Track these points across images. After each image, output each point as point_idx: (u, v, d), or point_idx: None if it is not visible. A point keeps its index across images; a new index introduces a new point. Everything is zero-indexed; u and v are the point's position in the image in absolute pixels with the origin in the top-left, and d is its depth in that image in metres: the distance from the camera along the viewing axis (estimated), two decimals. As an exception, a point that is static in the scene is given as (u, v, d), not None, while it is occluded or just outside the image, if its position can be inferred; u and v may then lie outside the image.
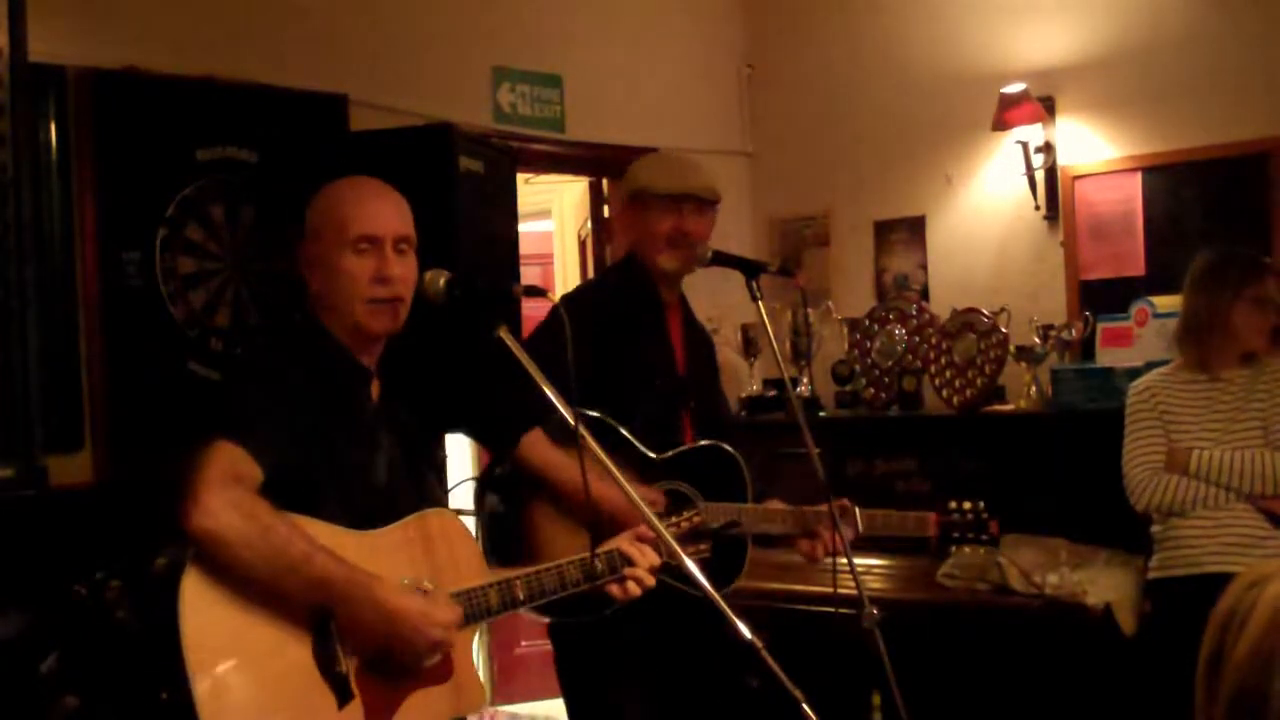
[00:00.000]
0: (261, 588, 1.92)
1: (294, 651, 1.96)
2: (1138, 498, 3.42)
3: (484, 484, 2.79)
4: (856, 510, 2.81)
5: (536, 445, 2.65)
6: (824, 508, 2.68)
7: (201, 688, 1.85)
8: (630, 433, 2.76)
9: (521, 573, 2.22)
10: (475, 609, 2.13)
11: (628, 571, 2.30)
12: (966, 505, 2.88)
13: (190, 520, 1.88)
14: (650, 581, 2.31)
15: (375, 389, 2.25)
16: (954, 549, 2.90)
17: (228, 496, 1.90)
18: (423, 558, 2.15)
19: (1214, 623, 1.16)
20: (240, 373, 2.36)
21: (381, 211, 2.20)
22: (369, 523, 2.10)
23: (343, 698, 1.98)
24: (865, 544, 3.74)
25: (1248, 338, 3.38)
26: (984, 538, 2.90)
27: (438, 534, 2.19)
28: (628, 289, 2.94)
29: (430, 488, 2.32)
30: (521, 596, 2.19)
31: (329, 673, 1.97)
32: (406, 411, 2.32)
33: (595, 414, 2.65)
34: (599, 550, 2.27)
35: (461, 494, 3.04)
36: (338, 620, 1.97)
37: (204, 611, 1.89)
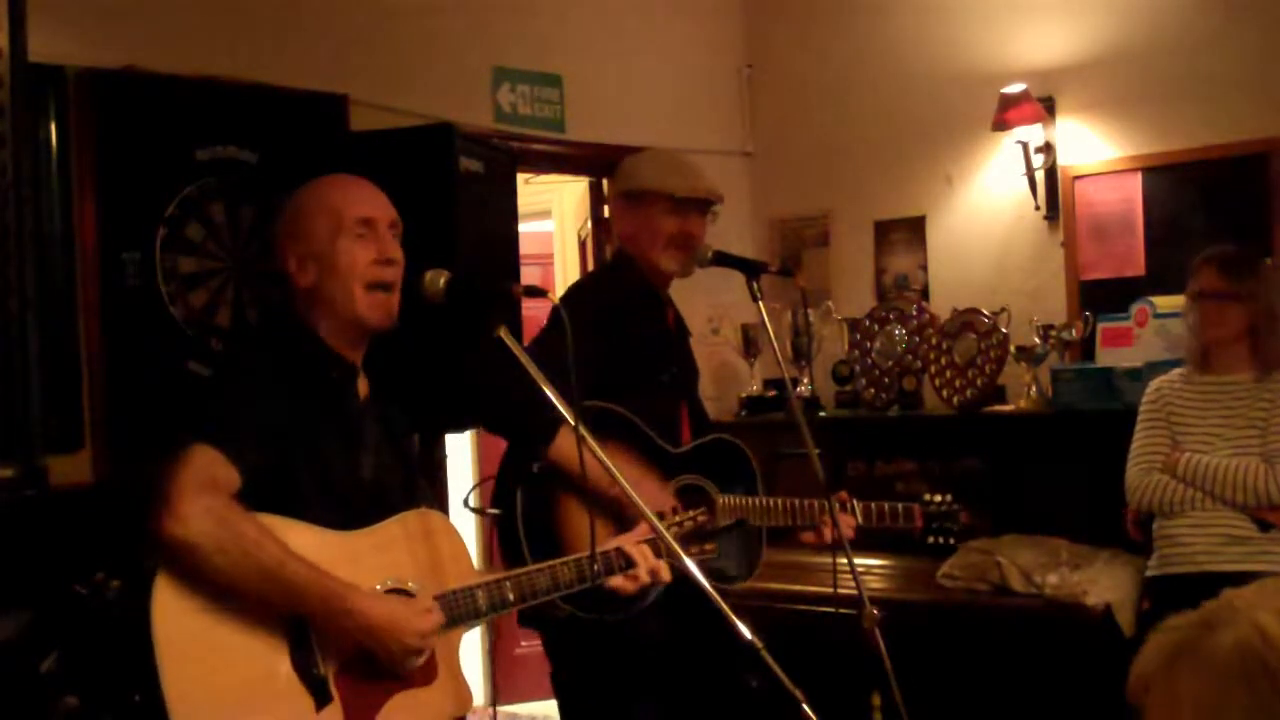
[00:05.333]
0: (235, 593, 1.91)
1: (270, 655, 1.94)
2: (1129, 496, 3.45)
3: (515, 482, 2.69)
4: (854, 502, 2.85)
5: (568, 440, 2.60)
6: (825, 502, 2.72)
7: (174, 690, 1.83)
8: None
9: (512, 574, 2.20)
10: (461, 610, 2.11)
11: (629, 574, 2.30)
12: (938, 497, 2.96)
13: (163, 526, 1.87)
14: (646, 580, 2.31)
15: (363, 386, 2.23)
16: (932, 540, 2.98)
17: (202, 503, 1.89)
18: (408, 558, 2.12)
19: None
20: (219, 373, 2.35)
21: (371, 195, 2.21)
22: (354, 521, 2.08)
23: (321, 700, 1.96)
24: (865, 543, 3.75)
25: (1202, 334, 3.38)
26: (953, 527, 2.94)
27: (425, 533, 2.17)
28: (627, 285, 2.94)
29: (419, 486, 2.29)
30: (512, 598, 2.16)
31: (306, 675, 1.96)
32: (396, 409, 2.30)
33: (618, 409, 2.64)
34: (597, 551, 2.26)
35: (461, 493, 3.00)
36: (314, 628, 1.97)
37: (176, 615, 1.87)
